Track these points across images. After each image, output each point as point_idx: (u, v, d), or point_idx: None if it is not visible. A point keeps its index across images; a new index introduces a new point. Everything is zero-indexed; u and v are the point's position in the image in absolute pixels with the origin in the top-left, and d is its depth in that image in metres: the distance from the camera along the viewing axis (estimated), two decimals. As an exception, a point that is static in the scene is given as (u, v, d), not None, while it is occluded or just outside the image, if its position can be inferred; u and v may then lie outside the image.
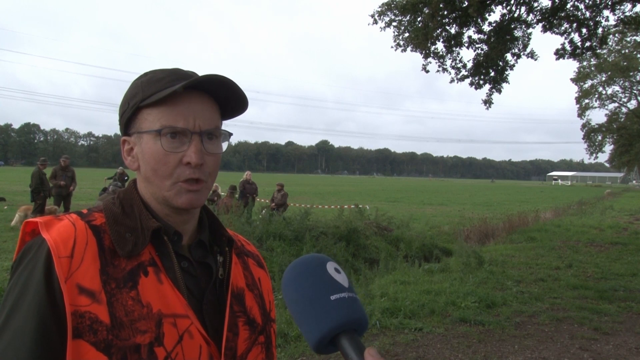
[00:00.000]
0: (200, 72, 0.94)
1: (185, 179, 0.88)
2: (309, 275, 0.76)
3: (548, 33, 10.32)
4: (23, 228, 0.86)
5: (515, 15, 10.20)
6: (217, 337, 0.87)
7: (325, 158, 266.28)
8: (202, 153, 0.88)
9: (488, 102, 11.49)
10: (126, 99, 0.92)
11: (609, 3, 9.59)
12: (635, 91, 38.99)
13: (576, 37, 10.30)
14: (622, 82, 38.23)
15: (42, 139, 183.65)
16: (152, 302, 0.82)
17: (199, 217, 0.98)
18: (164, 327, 0.81)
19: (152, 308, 0.81)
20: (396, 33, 10.50)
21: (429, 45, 10.33)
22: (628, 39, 30.62)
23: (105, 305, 0.78)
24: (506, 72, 10.98)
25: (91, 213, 0.89)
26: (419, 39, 10.03)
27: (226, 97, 0.92)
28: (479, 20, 10.13)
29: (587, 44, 10.30)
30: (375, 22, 10.44)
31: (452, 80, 11.12)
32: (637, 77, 37.63)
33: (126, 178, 19.16)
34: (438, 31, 10.06)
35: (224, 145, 0.95)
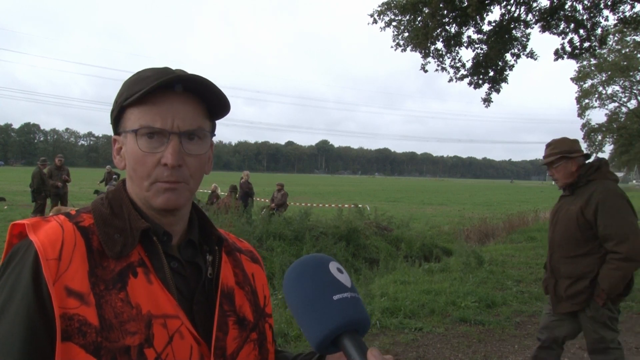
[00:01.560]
0: (199, 72, 0.93)
1: (163, 180, 0.87)
2: (311, 275, 0.75)
3: (549, 33, 10.32)
4: (10, 230, 0.85)
5: (515, 15, 10.20)
6: (207, 337, 0.87)
7: (325, 158, 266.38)
8: (180, 154, 0.86)
9: (487, 101, 11.49)
10: (115, 99, 0.92)
11: (608, 3, 9.59)
12: (635, 91, 39.00)
13: (575, 38, 10.31)
14: (622, 81, 38.25)
15: (42, 139, 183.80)
16: (141, 303, 0.81)
17: (189, 217, 0.97)
18: (154, 328, 0.80)
19: (142, 309, 0.80)
20: (396, 33, 10.49)
21: (428, 45, 10.33)
22: (628, 39, 30.62)
23: (94, 308, 0.77)
24: (505, 72, 10.98)
25: (79, 214, 0.88)
26: (418, 39, 10.01)
27: (211, 97, 0.91)
28: (478, 20, 10.13)
29: (586, 44, 10.30)
30: (375, 21, 10.43)
31: (450, 80, 11.13)
32: (637, 76, 37.65)
33: (115, 177, 19.05)
34: (438, 31, 10.05)
35: (206, 145, 0.92)
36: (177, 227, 0.93)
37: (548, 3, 9.95)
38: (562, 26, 10.20)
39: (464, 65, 11.00)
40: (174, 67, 0.95)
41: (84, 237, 0.83)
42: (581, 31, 10.06)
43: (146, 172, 0.87)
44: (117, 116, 0.91)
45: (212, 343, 0.86)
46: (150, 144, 0.86)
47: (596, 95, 39.47)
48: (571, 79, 38.33)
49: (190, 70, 0.94)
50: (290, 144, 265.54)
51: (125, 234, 0.85)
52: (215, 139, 0.98)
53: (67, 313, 0.76)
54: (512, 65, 10.87)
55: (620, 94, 39.53)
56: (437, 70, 11.01)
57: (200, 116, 0.91)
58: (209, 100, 0.92)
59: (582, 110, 39.74)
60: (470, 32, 10.65)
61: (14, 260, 0.80)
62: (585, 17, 9.89)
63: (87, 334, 0.76)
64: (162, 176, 0.86)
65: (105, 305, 0.78)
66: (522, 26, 10.44)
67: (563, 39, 10.36)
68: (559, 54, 10.64)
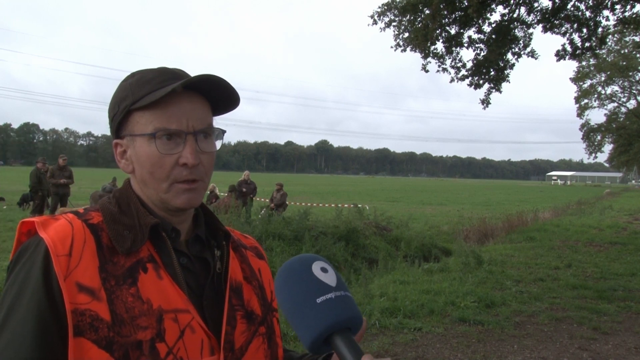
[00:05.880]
0: (200, 71, 0.94)
1: (182, 180, 0.88)
2: (295, 280, 0.76)
3: (551, 33, 10.30)
4: (19, 228, 0.85)
5: (515, 15, 10.19)
6: (217, 331, 0.88)
7: (325, 158, 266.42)
8: (197, 153, 0.89)
9: (486, 102, 11.48)
10: (116, 102, 0.92)
11: (609, 3, 9.58)
12: (634, 91, 38.99)
13: (576, 38, 10.29)
14: (621, 82, 38.21)
15: (41, 138, 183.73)
16: (152, 298, 0.82)
17: (195, 213, 0.99)
18: (165, 323, 0.81)
19: (153, 304, 0.82)
20: (396, 33, 10.48)
21: (428, 45, 10.31)
22: (627, 39, 30.62)
23: (105, 303, 0.78)
24: (506, 72, 10.96)
25: (88, 212, 0.89)
26: (418, 40, 10.01)
27: (217, 94, 0.92)
28: (479, 20, 10.11)
29: (587, 44, 10.29)
30: (375, 22, 10.42)
31: (452, 80, 11.12)
32: (637, 77, 37.65)
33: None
34: (438, 31, 10.04)
35: (219, 143, 0.95)
36: (185, 224, 0.95)
37: (550, 3, 9.93)
38: (565, 26, 10.17)
39: (464, 66, 11.00)
40: (173, 67, 0.95)
41: (93, 233, 0.84)
42: (584, 30, 10.04)
43: (165, 174, 0.88)
44: (121, 120, 0.91)
45: (222, 337, 0.87)
46: (167, 145, 0.87)
47: (595, 96, 39.46)
48: (570, 79, 38.32)
49: (190, 69, 0.95)
50: (289, 144, 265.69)
51: (134, 231, 0.86)
52: None
53: (79, 308, 0.77)
54: (513, 64, 10.86)
55: (620, 94, 39.53)
56: (438, 71, 11.00)
57: (209, 114, 0.93)
58: (214, 98, 0.93)
59: (582, 111, 39.69)
60: (470, 33, 10.64)
61: (23, 256, 0.81)
62: (587, 16, 9.86)
63: (99, 329, 0.77)
64: (181, 176, 0.88)
65: (116, 301, 0.79)
66: (523, 27, 10.42)
67: (567, 39, 10.34)
68: (560, 55, 10.62)
